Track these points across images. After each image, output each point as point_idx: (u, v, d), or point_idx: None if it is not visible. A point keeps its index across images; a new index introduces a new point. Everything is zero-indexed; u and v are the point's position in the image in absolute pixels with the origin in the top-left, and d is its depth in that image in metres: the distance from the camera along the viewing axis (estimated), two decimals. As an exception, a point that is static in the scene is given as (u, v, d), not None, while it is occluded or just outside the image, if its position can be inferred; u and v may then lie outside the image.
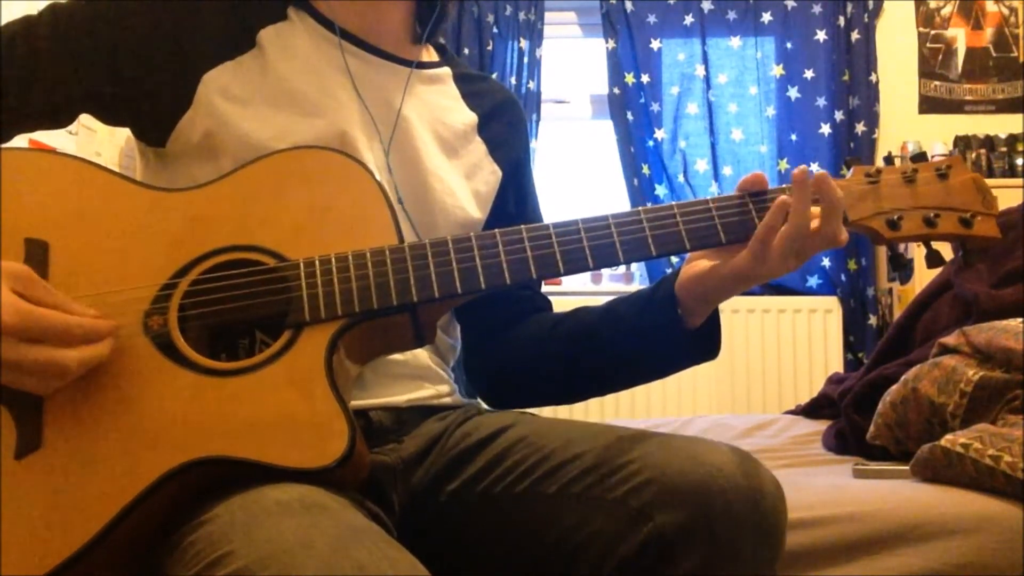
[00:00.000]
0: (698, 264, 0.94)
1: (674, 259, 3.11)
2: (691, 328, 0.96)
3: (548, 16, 3.67)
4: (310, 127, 0.97)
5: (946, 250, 0.95)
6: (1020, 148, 3.43)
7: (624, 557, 0.80)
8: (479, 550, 0.91)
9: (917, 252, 0.95)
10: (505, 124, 1.15)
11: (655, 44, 3.62)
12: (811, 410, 2.20)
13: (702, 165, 3.57)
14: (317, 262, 0.84)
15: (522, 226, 0.88)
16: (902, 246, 0.94)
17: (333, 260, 0.84)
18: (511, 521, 0.89)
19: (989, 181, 0.93)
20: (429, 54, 1.14)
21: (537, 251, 0.87)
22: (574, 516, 0.84)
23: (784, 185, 0.91)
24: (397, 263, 0.84)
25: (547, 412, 1.06)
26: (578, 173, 3.94)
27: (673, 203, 0.91)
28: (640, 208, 0.90)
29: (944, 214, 0.91)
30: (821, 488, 1.32)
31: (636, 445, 0.85)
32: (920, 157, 0.95)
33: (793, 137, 3.58)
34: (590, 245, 0.87)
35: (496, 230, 0.88)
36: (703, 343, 0.97)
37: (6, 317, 0.72)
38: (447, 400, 1.05)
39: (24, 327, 0.73)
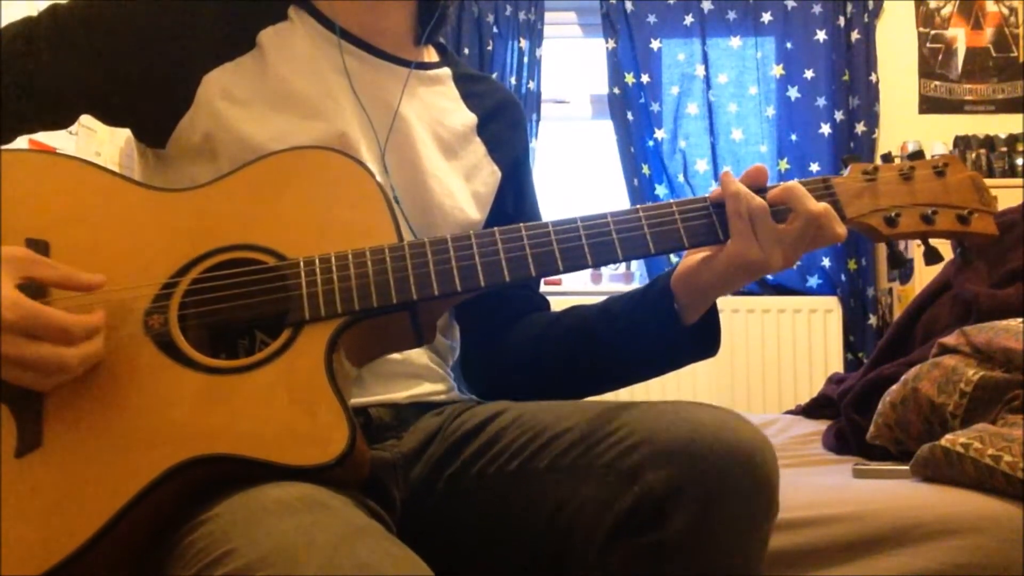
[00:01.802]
0: (694, 257, 0.94)
1: (674, 259, 3.11)
2: (689, 324, 0.96)
3: (548, 16, 3.67)
4: (310, 129, 0.97)
5: (946, 249, 0.96)
6: (1020, 148, 3.43)
7: (617, 519, 0.80)
8: (478, 532, 0.91)
9: (917, 253, 0.95)
10: (505, 125, 1.15)
11: (655, 44, 3.63)
12: (811, 410, 2.20)
13: (702, 165, 3.58)
14: (317, 261, 0.84)
15: (521, 224, 0.88)
16: (901, 244, 0.94)
17: (333, 259, 0.84)
18: (506, 500, 0.89)
19: (989, 181, 0.93)
20: (429, 54, 1.14)
21: (536, 249, 0.87)
22: (566, 487, 0.84)
23: (781, 182, 0.91)
24: (396, 261, 0.84)
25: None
26: (578, 173, 3.94)
27: (672, 201, 0.91)
28: (639, 206, 0.90)
29: (942, 211, 0.92)
30: (821, 488, 1.31)
31: (623, 412, 0.85)
32: (917, 155, 0.95)
33: (793, 137, 3.58)
34: (589, 243, 0.88)
35: (495, 228, 0.88)
36: (702, 339, 0.97)
37: (7, 313, 0.72)
38: (444, 397, 1.05)
39: (25, 323, 0.73)
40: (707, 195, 0.91)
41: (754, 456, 0.80)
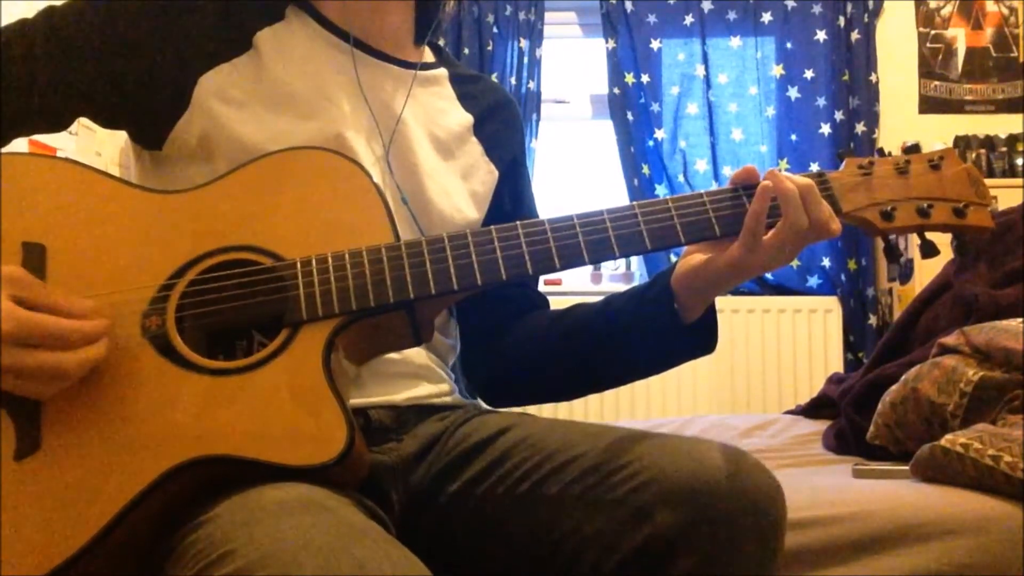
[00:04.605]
0: (694, 258, 0.94)
1: (673, 257, 3.12)
2: (688, 322, 0.96)
3: (548, 16, 3.67)
4: (306, 129, 0.97)
5: (946, 249, 0.95)
6: (1020, 148, 3.43)
7: (624, 557, 0.81)
8: (480, 550, 0.91)
9: (917, 253, 0.95)
10: (501, 124, 1.15)
11: (655, 44, 3.62)
12: (811, 410, 2.20)
13: (702, 165, 3.57)
14: (314, 261, 0.84)
15: (518, 222, 0.88)
16: (901, 242, 0.94)
17: (330, 259, 0.84)
18: (512, 522, 0.89)
19: (989, 181, 0.93)
20: (425, 55, 1.14)
21: (533, 247, 0.87)
22: (575, 516, 0.84)
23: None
24: (393, 261, 0.84)
25: (547, 412, 1.06)
26: (578, 173, 3.94)
27: (668, 197, 0.91)
28: (635, 202, 0.90)
29: (937, 204, 0.92)
30: (821, 488, 1.31)
31: (636, 445, 0.85)
32: (913, 148, 0.95)
33: (793, 137, 3.58)
34: (585, 240, 0.88)
35: (492, 227, 0.88)
36: (700, 337, 0.98)
37: (4, 324, 0.72)
38: (447, 399, 1.05)
39: (22, 333, 0.73)
40: (703, 191, 0.91)
41: (764, 501, 0.80)
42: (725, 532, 0.78)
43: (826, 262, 3.52)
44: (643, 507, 0.80)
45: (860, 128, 3.55)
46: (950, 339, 1.51)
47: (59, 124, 1.00)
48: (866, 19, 3.60)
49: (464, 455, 0.94)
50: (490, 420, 0.98)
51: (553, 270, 0.88)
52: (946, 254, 0.99)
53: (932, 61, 3.67)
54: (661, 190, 3.57)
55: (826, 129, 3.55)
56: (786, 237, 0.87)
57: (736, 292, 3.42)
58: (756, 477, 0.81)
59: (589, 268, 3.66)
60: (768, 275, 3.47)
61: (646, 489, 0.81)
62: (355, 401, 0.94)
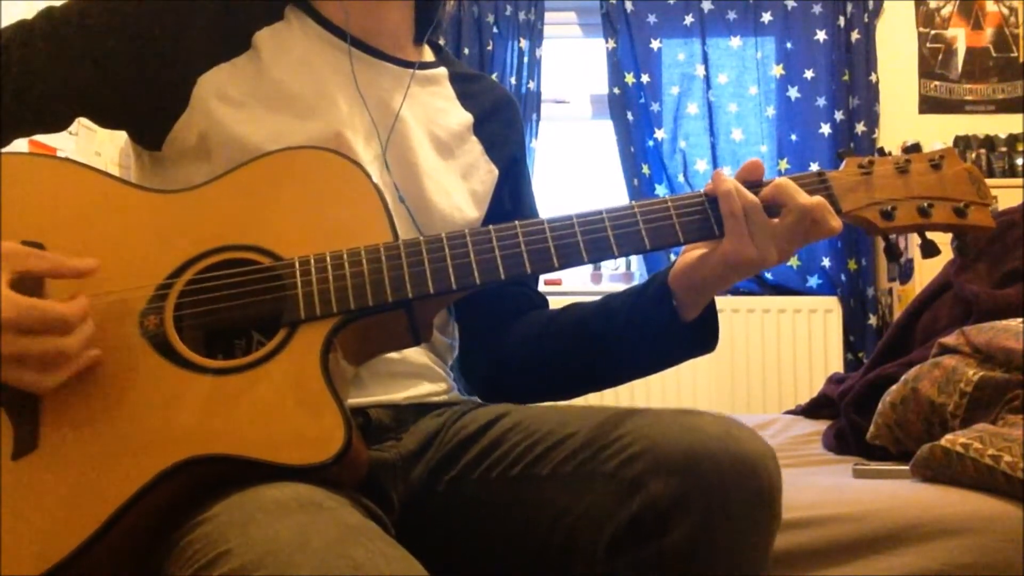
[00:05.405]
0: (690, 255, 0.94)
1: (673, 257, 3.11)
2: (687, 321, 0.96)
3: (548, 16, 3.67)
4: (305, 129, 0.97)
5: (946, 249, 0.95)
6: (1020, 148, 3.43)
7: (619, 528, 0.80)
8: (478, 537, 0.91)
9: (917, 253, 0.94)
10: (501, 123, 1.15)
11: (655, 44, 3.63)
12: (811, 410, 2.19)
13: (702, 165, 3.58)
14: (312, 260, 0.84)
15: (516, 222, 0.88)
16: (902, 242, 0.94)
17: (328, 258, 0.84)
18: (508, 505, 0.89)
19: (989, 181, 0.93)
20: (425, 54, 1.14)
21: (531, 245, 0.87)
22: (568, 494, 0.84)
23: (776, 178, 0.91)
24: (392, 260, 0.84)
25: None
26: (578, 173, 3.94)
27: (667, 196, 0.91)
28: (634, 202, 0.90)
29: (938, 204, 0.92)
30: (821, 488, 1.31)
31: (627, 420, 0.85)
32: (914, 148, 0.95)
33: (793, 137, 3.58)
34: (584, 239, 0.88)
35: (491, 226, 0.88)
36: (700, 335, 0.97)
37: (4, 312, 0.72)
38: (445, 397, 1.05)
39: (22, 319, 0.73)
40: (701, 190, 0.91)
41: (757, 465, 0.80)
42: (718, 497, 0.77)
43: (826, 262, 3.52)
44: (635, 478, 0.80)
45: (860, 128, 3.55)
46: (950, 339, 1.51)
47: (59, 124, 1.00)
48: (866, 19, 3.60)
49: (460, 445, 0.94)
50: (485, 410, 0.98)
51: (552, 269, 0.88)
52: (946, 254, 0.99)
53: (932, 61, 3.67)
54: (661, 190, 3.57)
55: (826, 129, 3.56)
56: (787, 222, 0.87)
57: (736, 292, 3.43)
58: (745, 441, 0.80)
59: (589, 268, 3.66)
60: (768, 275, 3.47)
61: (638, 460, 0.80)
62: (354, 400, 0.94)
